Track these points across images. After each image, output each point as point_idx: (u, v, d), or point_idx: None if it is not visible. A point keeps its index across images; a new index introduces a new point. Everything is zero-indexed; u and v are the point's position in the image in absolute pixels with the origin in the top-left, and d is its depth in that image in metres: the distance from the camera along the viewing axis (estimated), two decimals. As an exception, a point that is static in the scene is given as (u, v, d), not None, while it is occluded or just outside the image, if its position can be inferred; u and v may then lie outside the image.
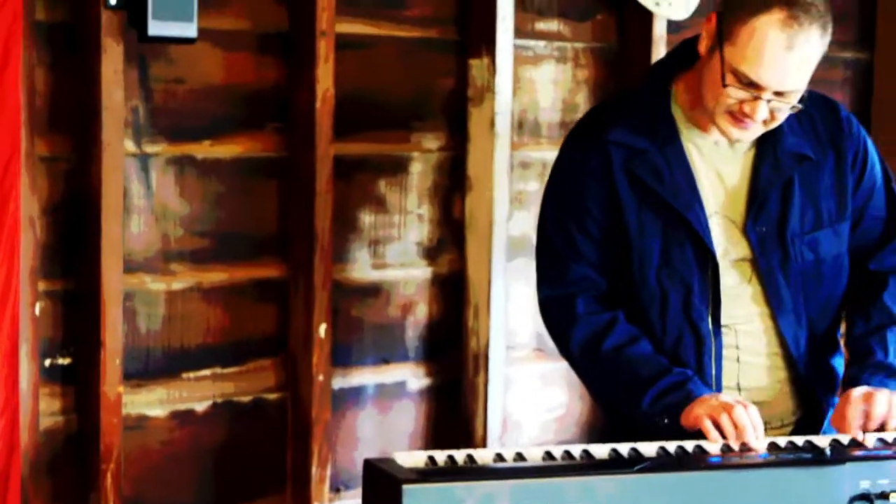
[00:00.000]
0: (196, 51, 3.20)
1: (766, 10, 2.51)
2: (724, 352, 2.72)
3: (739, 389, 2.74)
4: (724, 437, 2.52)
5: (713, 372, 2.71)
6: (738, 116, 2.58)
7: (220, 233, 3.31)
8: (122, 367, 3.09)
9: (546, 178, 3.58)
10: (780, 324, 2.72)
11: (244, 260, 3.35)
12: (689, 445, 2.49)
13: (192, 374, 3.30)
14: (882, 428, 2.59)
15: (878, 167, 2.81)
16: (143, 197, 3.19)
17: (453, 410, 3.71)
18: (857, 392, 2.63)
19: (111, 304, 3.04)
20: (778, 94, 2.55)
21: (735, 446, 2.50)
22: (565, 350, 2.81)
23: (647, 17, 3.84)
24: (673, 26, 3.89)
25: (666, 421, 2.62)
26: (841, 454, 2.43)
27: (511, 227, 3.73)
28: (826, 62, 4.29)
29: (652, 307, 2.72)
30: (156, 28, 2.96)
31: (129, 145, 3.14)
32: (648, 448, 2.47)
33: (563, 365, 3.84)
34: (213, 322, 3.32)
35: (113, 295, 3.05)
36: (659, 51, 3.86)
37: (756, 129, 2.62)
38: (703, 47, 2.63)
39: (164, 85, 3.20)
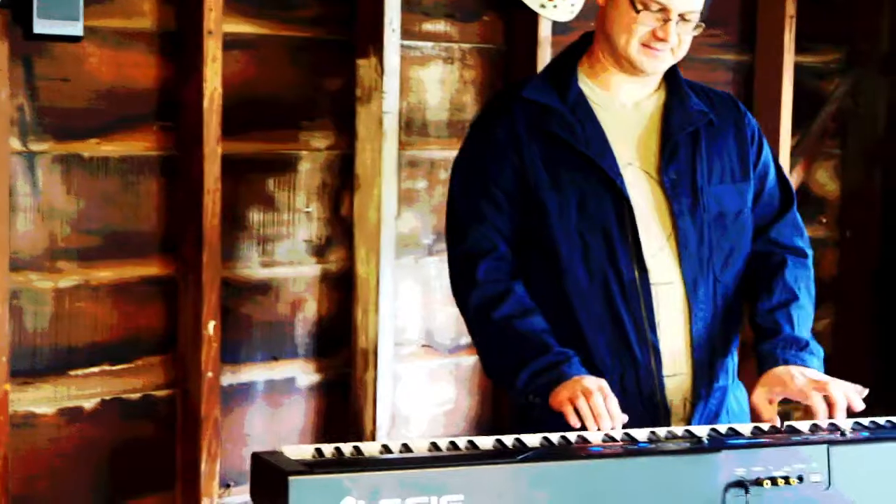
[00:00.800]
0: (83, 49, 3.21)
1: None
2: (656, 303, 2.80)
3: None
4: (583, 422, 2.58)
5: (644, 315, 2.77)
6: (650, 46, 2.76)
7: (108, 231, 3.31)
8: (8, 365, 3.08)
9: (433, 177, 3.66)
10: (683, 270, 2.80)
11: (133, 258, 3.36)
12: (572, 436, 2.55)
13: (80, 372, 3.30)
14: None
15: (770, 152, 2.99)
16: (30, 195, 3.19)
17: (343, 406, 3.74)
18: (799, 380, 2.74)
19: (-3, 303, 3.04)
20: (681, 17, 2.74)
21: (593, 431, 2.56)
22: (463, 308, 2.87)
23: (533, 18, 3.91)
24: (559, 28, 3.97)
25: (537, 400, 2.68)
26: (717, 442, 2.50)
27: (400, 225, 3.78)
28: (709, 64, 4.44)
29: (574, 259, 2.78)
30: (41, 26, 2.97)
31: (15, 143, 3.14)
32: (532, 439, 2.52)
33: (452, 360, 3.95)
34: (101, 320, 3.32)
35: (-2, 294, 3.05)
36: (544, 51, 3.93)
37: (666, 58, 2.80)
38: None
39: (50, 83, 3.20)
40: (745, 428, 2.64)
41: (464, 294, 2.83)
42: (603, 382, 2.66)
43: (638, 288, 2.78)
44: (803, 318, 2.86)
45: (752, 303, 2.90)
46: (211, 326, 3.36)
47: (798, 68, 4.64)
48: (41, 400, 3.25)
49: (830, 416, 2.68)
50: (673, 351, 2.81)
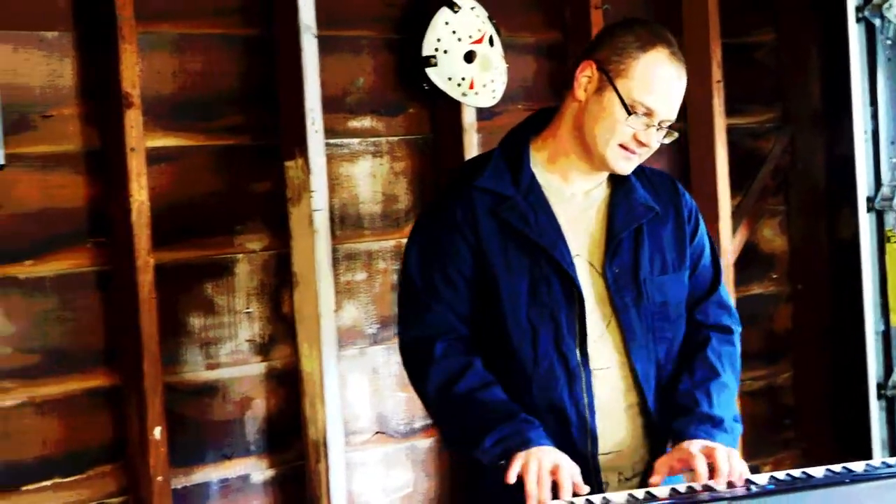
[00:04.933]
0: (10, 175, 3.33)
1: (652, 47, 2.80)
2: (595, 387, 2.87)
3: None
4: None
5: (585, 401, 2.85)
6: (629, 147, 2.82)
7: (48, 348, 3.42)
8: (-44, 486, 3.18)
9: (372, 268, 3.75)
10: (633, 360, 2.88)
11: (75, 372, 3.46)
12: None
13: (31, 486, 3.39)
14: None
15: (705, 231, 3.07)
16: (-32, 320, 3.31)
17: (298, 499, 3.82)
18: (694, 447, 2.77)
19: (-60, 426, 3.15)
20: (659, 124, 2.82)
21: (532, 501, 2.64)
22: (422, 391, 2.92)
23: (456, 106, 4.03)
24: (483, 113, 4.09)
25: (502, 463, 2.74)
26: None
27: (342, 318, 3.88)
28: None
29: (523, 343, 2.85)
30: (-38, 159, 3.09)
31: (-50, 271, 3.27)
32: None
33: (407, 444, 4.03)
34: (49, 434, 3.42)
35: (-59, 417, 3.15)
36: (470, 137, 4.05)
37: (636, 161, 2.87)
38: (582, 92, 2.86)
39: (-21, 211, 3.32)
40: (663, 490, 2.70)
41: (422, 373, 2.89)
42: (562, 458, 2.72)
43: (581, 373, 2.86)
44: (724, 395, 2.91)
45: (673, 383, 2.95)
46: (157, 432, 3.46)
47: (733, 130, 4.76)
48: (-6, 517, 3.35)
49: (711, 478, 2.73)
50: (613, 434, 2.89)
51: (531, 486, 2.66)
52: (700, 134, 4.68)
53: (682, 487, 2.69)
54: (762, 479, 2.72)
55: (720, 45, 4.63)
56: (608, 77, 2.81)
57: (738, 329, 3.07)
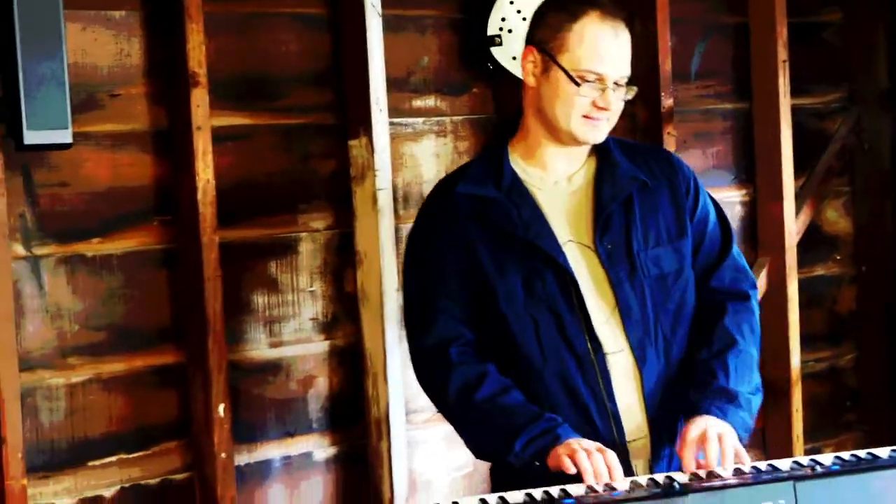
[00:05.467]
0: (78, 154, 3.37)
1: (583, 14, 2.82)
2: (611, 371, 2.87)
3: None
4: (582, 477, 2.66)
5: (602, 386, 2.85)
6: (591, 116, 2.84)
7: (115, 325, 3.45)
8: (24, 461, 3.20)
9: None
10: (629, 336, 2.86)
11: (141, 349, 3.50)
12: (555, 490, 2.64)
13: (97, 462, 3.44)
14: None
15: (708, 199, 3.04)
16: (37, 297, 3.34)
17: (360, 477, 3.84)
18: (693, 433, 2.75)
19: (9, 402, 3.16)
20: (615, 84, 2.83)
21: (594, 484, 2.65)
22: (442, 398, 2.94)
23: (520, 86, 4.00)
24: (546, 92, 4.07)
25: (537, 464, 2.76)
26: (688, 486, 2.58)
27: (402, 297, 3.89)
28: (705, 115, 4.53)
29: (527, 340, 2.86)
30: (31, 137, 3.12)
31: (19, 249, 3.30)
32: (516, 496, 2.62)
33: (468, 424, 4.02)
34: (114, 410, 3.46)
35: (10, 394, 3.17)
36: (534, 117, 4.04)
37: (605, 126, 2.88)
38: (531, 78, 2.90)
39: (49, 189, 3.36)
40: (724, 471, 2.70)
41: (440, 380, 2.90)
42: (599, 444, 2.73)
43: (592, 359, 2.86)
44: (741, 365, 2.90)
45: (692, 354, 2.94)
46: (221, 409, 3.49)
47: (798, 111, 4.71)
48: (62, 492, 3.39)
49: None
50: (631, 417, 2.88)
51: (584, 463, 2.66)
52: (764, 114, 4.64)
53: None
54: (784, 463, 2.69)
55: (786, 25, 4.59)
56: (550, 56, 2.84)
57: (754, 293, 3.04)
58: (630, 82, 2.87)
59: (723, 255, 3.03)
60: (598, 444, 2.74)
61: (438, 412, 3.01)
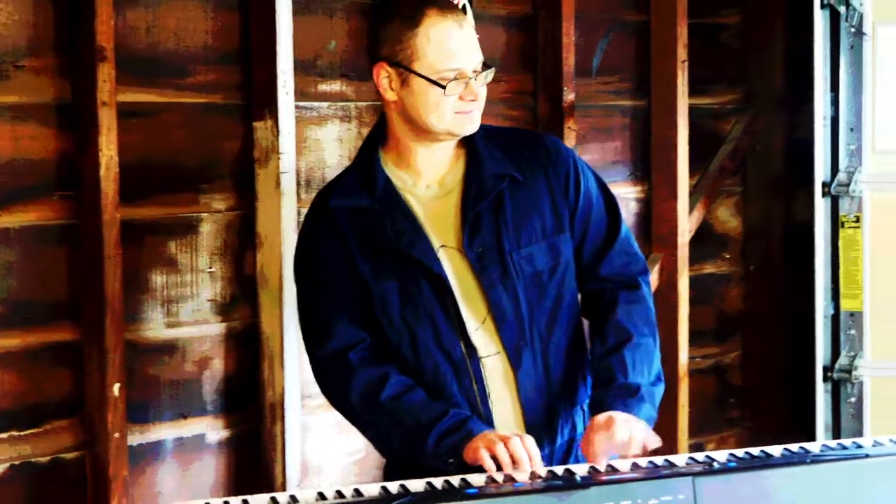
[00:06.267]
0: (-20, 125, 3.31)
1: (422, 17, 2.81)
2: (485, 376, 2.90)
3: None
4: (500, 468, 2.69)
5: (476, 391, 2.88)
6: (462, 111, 2.84)
7: (10, 300, 3.39)
8: (-86, 436, 3.17)
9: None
10: (502, 338, 2.89)
11: (36, 326, 3.43)
12: (456, 480, 2.66)
13: (-12, 438, 3.39)
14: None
15: (592, 182, 3.03)
16: (-68, 269, 3.29)
17: (253, 460, 3.83)
18: (599, 420, 2.80)
19: None
20: (474, 73, 2.84)
21: (515, 475, 2.67)
22: (346, 403, 2.95)
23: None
24: (452, 82, 4.09)
25: (451, 460, 2.78)
26: (589, 479, 2.62)
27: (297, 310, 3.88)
28: (605, 110, 4.58)
29: (403, 347, 2.90)
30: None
31: (-84, 219, 3.24)
32: (416, 484, 2.63)
33: (361, 410, 4.02)
34: (7, 387, 3.39)
35: None
36: (439, 106, 4.05)
37: (477, 115, 2.88)
38: (391, 93, 2.89)
39: (-52, 160, 3.29)
40: (621, 464, 2.74)
41: (342, 386, 2.92)
42: (514, 430, 2.78)
43: (467, 364, 2.89)
44: (639, 358, 2.93)
45: (590, 350, 2.99)
46: (116, 388, 3.45)
47: (694, 110, 4.79)
48: (-50, 468, 3.34)
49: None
50: (506, 420, 2.91)
51: (503, 455, 2.68)
52: (662, 112, 4.72)
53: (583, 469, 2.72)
54: (680, 459, 2.73)
55: (686, 25, 4.66)
56: (405, 67, 2.83)
57: (646, 278, 3.06)
58: (484, 65, 2.87)
59: (611, 240, 3.02)
60: (514, 430, 2.77)
61: (346, 419, 3.02)
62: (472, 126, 2.89)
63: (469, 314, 2.89)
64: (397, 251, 2.88)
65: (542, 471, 2.69)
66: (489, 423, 2.88)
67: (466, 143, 2.95)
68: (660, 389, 2.96)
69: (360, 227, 2.90)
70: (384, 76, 2.87)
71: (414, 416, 2.84)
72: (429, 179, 2.94)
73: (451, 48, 2.81)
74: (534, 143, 3.02)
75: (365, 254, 2.89)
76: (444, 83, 2.81)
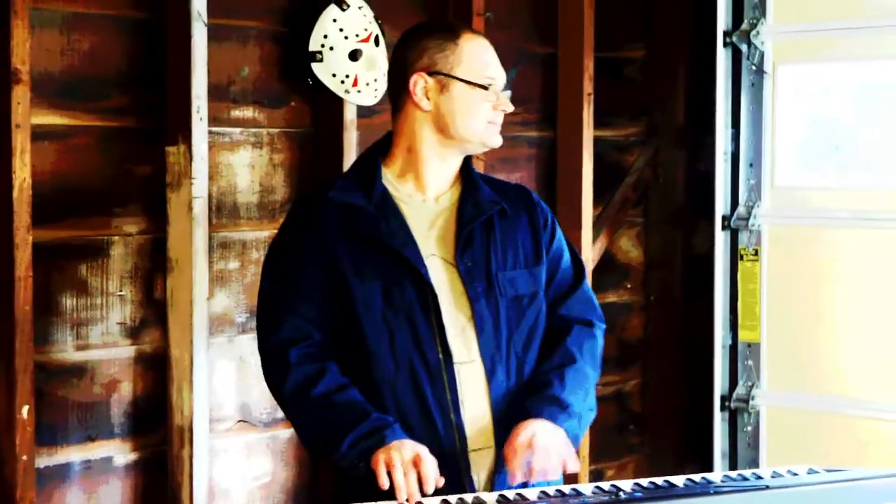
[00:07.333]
0: None
1: (460, 30, 3.05)
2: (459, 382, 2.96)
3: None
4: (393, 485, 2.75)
5: (449, 397, 2.93)
6: (493, 121, 3.03)
7: (-79, 321, 3.38)
8: None
9: (245, 257, 3.78)
10: (481, 350, 2.96)
11: (-54, 346, 3.43)
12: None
13: None
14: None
15: (563, 237, 3.20)
16: None
17: (159, 483, 3.83)
18: (523, 438, 2.87)
19: None
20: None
21: (401, 498, 2.73)
22: (279, 397, 3.01)
23: (338, 102, 4.08)
24: (363, 111, 4.14)
25: (361, 465, 2.83)
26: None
27: (213, 305, 3.90)
28: (512, 141, 4.65)
29: (381, 347, 2.94)
30: None
31: None
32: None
33: (268, 434, 4.07)
34: (-87, 408, 3.39)
35: None
36: (350, 134, 4.10)
37: (498, 130, 3.06)
38: (426, 101, 3.01)
39: None
40: (532, 492, 2.79)
41: (278, 380, 2.98)
42: (420, 449, 2.82)
43: (442, 369, 2.94)
44: (577, 380, 3.01)
45: (536, 367, 3.05)
46: (25, 410, 3.44)
47: (599, 142, 4.88)
48: None
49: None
50: (478, 427, 2.96)
51: (399, 479, 2.75)
52: (568, 144, 4.80)
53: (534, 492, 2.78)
54: (587, 488, 2.81)
55: (593, 59, 4.75)
56: (446, 74, 2.98)
57: (600, 325, 3.18)
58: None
59: (574, 288, 3.16)
60: (418, 452, 2.80)
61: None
62: (498, 139, 3.06)
63: (449, 320, 2.96)
64: (387, 251, 2.95)
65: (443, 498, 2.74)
66: (460, 430, 2.93)
67: (464, 171, 3.10)
68: (589, 416, 3.05)
69: (351, 223, 2.97)
70: (421, 85, 3.00)
71: (338, 415, 2.89)
72: (429, 193, 3.05)
73: (487, 59, 3.03)
74: (520, 190, 3.21)
75: (350, 251, 2.96)
76: (486, 84, 2.99)
